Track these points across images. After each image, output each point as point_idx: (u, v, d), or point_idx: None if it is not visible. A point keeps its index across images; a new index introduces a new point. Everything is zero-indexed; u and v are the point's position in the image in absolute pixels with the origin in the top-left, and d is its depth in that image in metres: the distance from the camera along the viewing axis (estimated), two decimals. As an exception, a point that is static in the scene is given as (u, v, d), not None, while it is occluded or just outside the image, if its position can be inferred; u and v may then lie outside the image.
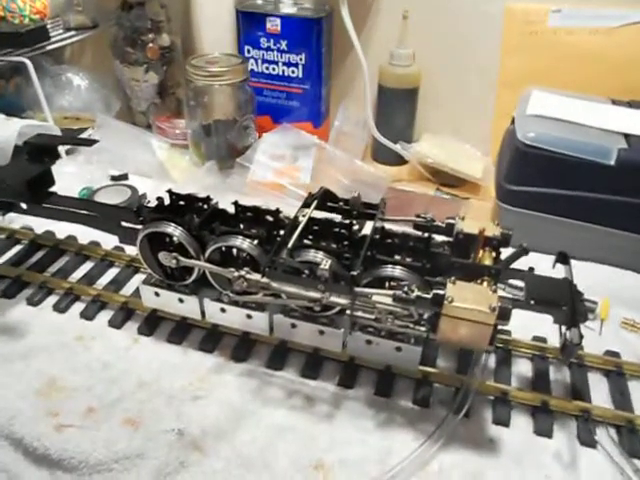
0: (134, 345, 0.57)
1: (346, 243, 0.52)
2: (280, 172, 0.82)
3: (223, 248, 0.52)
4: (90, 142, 0.64)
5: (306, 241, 0.52)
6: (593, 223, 0.66)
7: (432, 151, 0.88)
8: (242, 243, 0.51)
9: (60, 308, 0.61)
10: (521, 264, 0.50)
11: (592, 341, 0.57)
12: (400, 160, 0.92)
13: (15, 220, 0.73)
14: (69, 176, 0.83)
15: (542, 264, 0.51)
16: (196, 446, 0.47)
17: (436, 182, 0.89)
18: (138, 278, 0.65)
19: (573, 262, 0.51)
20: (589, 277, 0.63)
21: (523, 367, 0.56)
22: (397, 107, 0.90)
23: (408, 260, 0.50)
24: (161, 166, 0.88)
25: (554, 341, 0.53)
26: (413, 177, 0.91)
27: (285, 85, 0.91)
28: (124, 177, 0.86)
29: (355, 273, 0.45)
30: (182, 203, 0.57)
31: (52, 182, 0.62)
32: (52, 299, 0.63)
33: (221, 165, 0.86)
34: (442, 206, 0.83)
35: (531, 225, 0.67)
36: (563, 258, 0.52)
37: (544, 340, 0.58)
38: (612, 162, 0.62)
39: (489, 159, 0.89)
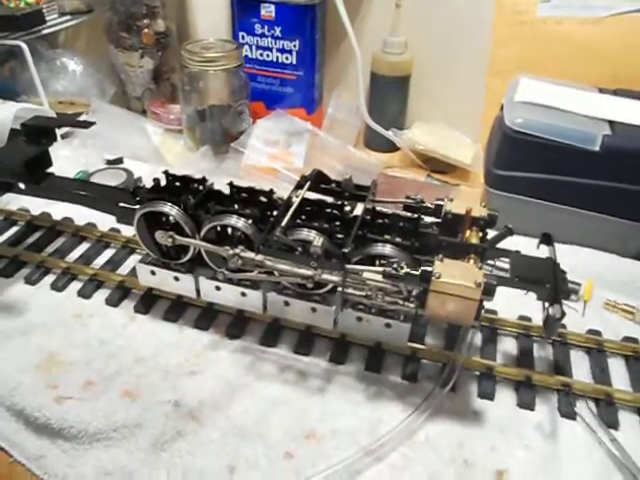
0: (131, 323, 0.59)
1: (338, 223, 0.54)
2: (274, 157, 0.84)
3: (218, 227, 0.54)
4: (87, 124, 0.65)
5: (299, 221, 0.54)
6: (578, 207, 0.68)
7: (423, 138, 0.89)
8: (237, 222, 0.53)
9: (58, 287, 0.62)
10: (509, 248, 0.52)
11: (575, 321, 0.59)
12: (392, 147, 0.93)
13: (12, 202, 0.74)
14: (64, 160, 0.84)
15: (529, 248, 0.53)
16: (192, 416, 0.49)
17: (427, 169, 0.91)
18: (134, 259, 0.66)
19: (558, 245, 0.53)
20: (574, 260, 0.65)
21: (508, 345, 0.58)
22: (389, 94, 0.92)
23: (398, 239, 0.52)
24: (156, 151, 0.89)
25: (538, 320, 0.55)
26: (404, 164, 0.93)
27: (279, 71, 0.92)
28: (119, 161, 0.87)
29: (346, 250, 0.47)
30: (178, 184, 0.58)
31: (50, 163, 0.63)
32: (49, 278, 0.64)
33: (215, 150, 0.87)
34: (432, 192, 0.84)
35: (518, 209, 0.68)
36: (547, 239, 0.54)
37: (529, 319, 0.60)
38: (597, 148, 0.64)
39: (479, 146, 0.90)
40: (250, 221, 0.54)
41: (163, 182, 0.58)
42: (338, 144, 0.88)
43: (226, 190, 0.57)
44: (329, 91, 0.97)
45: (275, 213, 0.53)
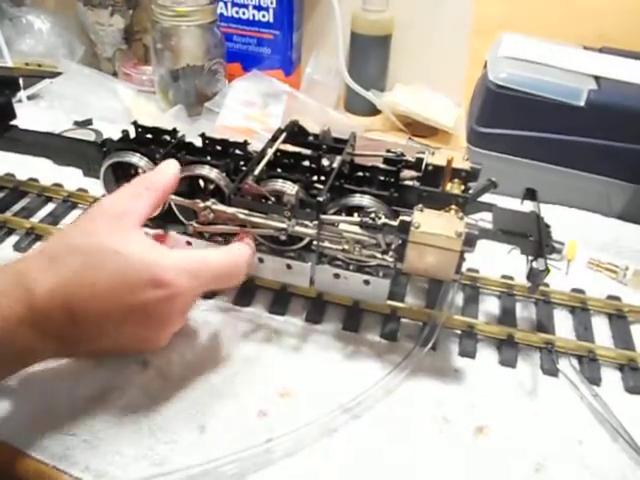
0: (98, 283, 0.56)
1: (315, 177, 0.51)
2: (250, 117, 0.81)
3: (189, 178, 0.51)
4: (52, 74, 0.62)
5: (274, 173, 0.51)
6: (562, 166, 0.66)
7: (404, 100, 0.87)
8: (209, 172, 0.50)
9: (21, 247, 0.59)
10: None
11: (559, 280, 0.58)
12: (373, 110, 0.91)
13: (-27, 163, 0.71)
14: (31, 121, 0.80)
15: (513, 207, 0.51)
16: (162, 376, 0.46)
17: (408, 132, 0.89)
18: (103, 219, 0.63)
19: (542, 205, 0.51)
20: (557, 219, 0.63)
21: (490, 304, 0.56)
22: (370, 55, 0.89)
23: (376, 191, 0.50)
24: (127, 112, 0.86)
25: (521, 279, 0.53)
26: (385, 127, 0.91)
27: (255, 30, 0.89)
28: (88, 122, 0.83)
29: (321, 199, 0.45)
30: (148, 136, 0.55)
31: (13, 115, 0.60)
32: (13, 239, 0.61)
33: (189, 112, 0.84)
34: (413, 153, 0.82)
35: (501, 168, 0.66)
36: (531, 194, 0.52)
37: (511, 278, 0.58)
38: (582, 103, 0.63)
39: (462, 110, 0.88)
40: (224, 173, 0.51)
41: (132, 134, 0.55)
42: (317, 107, 0.85)
43: (198, 143, 0.54)
44: (308, 52, 0.94)
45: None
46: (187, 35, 0.81)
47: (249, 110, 0.82)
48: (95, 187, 0.62)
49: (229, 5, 0.87)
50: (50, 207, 0.65)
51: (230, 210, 0.47)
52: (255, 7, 0.86)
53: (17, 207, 0.65)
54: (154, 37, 0.83)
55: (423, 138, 0.87)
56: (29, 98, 0.88)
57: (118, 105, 0.87)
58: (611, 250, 0.63)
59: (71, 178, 0.65)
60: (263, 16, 0.87)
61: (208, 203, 0.48)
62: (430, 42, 0.90)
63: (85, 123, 0.83)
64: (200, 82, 0.85)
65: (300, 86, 0.92)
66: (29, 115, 0.81)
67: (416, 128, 0.88)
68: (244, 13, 0.87)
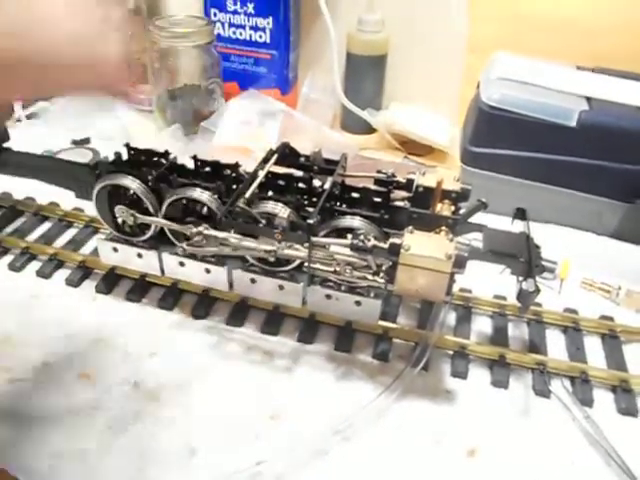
0: (92, 303, 0.56)
1: (306, 198, 0.52)
2: (246, 136, 0.81)
3: (181, 201, 0.51)
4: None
5: (265, 195, 0.51)
6: (555, 185, 0.67)
7: (400, 118, 0.88)
8: (200, 195, 0.50)
9: (15, 267, 0.60)
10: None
11: (552, 300, 0.58)
12: (369, 129, 0.91)
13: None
14: (29, 140, 0.81)
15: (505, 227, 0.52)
16: (153, 397, 0.47)
17: (404, 151, 0.89)
18: (97, 238, 0.63)
19: (535, 224, 0.51)
20: (551, 238, 0.63)
21: (483, 324, 0.56)
22: (365, 74, 0.89)
23: (367, 212, 0.50)
24: (125, 131, 0.86)
25: (514, 299, 0.53)
26: (381, 146, 0.91)
27: (252, 50, 0.89)
28: (86, 141, 0.84)
29: (312, 221, 0.45)
30: (141, 158, 0.55)
31: (6, 138, 0.60)
32: (7, 258, 0.61)
33: (186, 130, 0.85)
34: (405, 174, 0.82)
35: (494, 188, 0.67)
36: (521, 214, 0.52)
37: (504, 298, 0.58)
38: (573, 124, 0.63)
39: (457, 129, 0.89)
40: (215, 195, 0.51)
41: (125, 156, 0.56)
42: (313, 125, 0.86)
43: (190, 165, 0.55)
44: (304, 72, 0.95)
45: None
46: (185, 55, 0.82)
47: (246, 129, 0.83)
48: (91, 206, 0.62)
49: (226, 26, 0.88)
50: (46, 226, 0.66)
51: (222, 235, 0.48)
52: (252, 28, 0.87)
53: (13, 226, 0.65)
54: (151, 57, 0.84)
55: (419, 157, 0.88)
56: (28, 117, 0.89)
57: (116, 124, 0.88)
58: (604, 269, 0.63)
59: (67, 196, 0.65)
60: (260, 37, 0.87)
61: (200, 229, 0.48)
62: (425, 61, 0.91)
63: (83, 142, 0.84)
64: (197, 101, 0.86)
65: (296, 105, 0.92)
66: (28, 134, 0.82)
67: (412, 147, 0.89)
68: (241, 34, 0.88)
